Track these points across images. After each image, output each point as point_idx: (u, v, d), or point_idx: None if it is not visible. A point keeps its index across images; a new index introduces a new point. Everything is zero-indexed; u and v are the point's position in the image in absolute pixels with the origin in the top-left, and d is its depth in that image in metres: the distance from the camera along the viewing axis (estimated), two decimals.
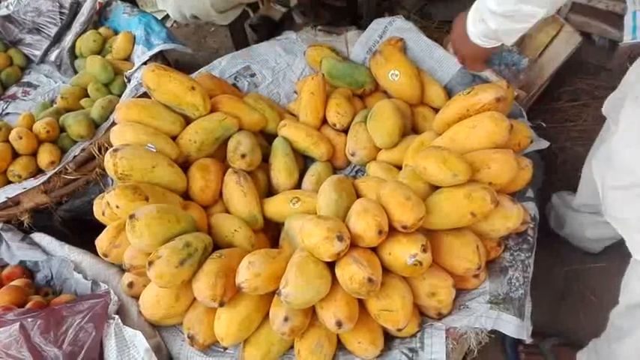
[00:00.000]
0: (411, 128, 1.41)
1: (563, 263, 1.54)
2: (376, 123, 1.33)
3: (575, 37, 1.67)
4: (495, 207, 1.02)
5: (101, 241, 1.12)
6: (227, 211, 1.26)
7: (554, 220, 1.57)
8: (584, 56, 1.82)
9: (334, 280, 0.99)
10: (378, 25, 1.59)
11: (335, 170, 1.41)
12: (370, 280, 0.93)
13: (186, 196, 1.23)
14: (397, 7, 2.17)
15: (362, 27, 1.66)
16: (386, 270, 1.01)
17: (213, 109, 1.33)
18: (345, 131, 1.42)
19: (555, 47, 1.69)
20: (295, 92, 1.57)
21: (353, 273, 0.94)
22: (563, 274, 1.53)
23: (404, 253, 0.97)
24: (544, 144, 1.32)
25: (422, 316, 1.07)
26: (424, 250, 0.96)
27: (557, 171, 1.63)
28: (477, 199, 1.01)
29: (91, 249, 1.16)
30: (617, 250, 1.47)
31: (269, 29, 2.12)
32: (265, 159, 1.38)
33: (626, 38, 0.99)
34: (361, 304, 1.01)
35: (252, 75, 1.61)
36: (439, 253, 1.05)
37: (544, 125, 1.41)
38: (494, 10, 0.97)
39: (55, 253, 1.25)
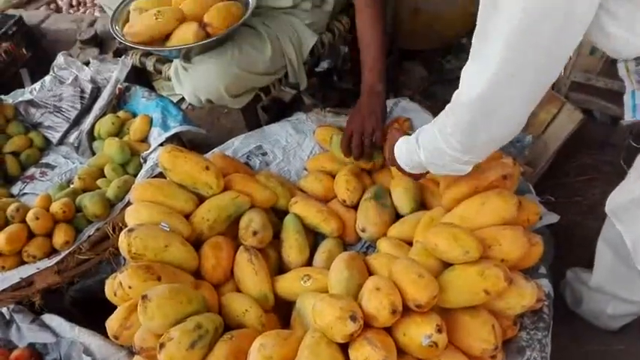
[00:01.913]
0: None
1: (580, 343, 1.50)
2: (398, 194, 1.38)
3: (576, 114, 1.72)
4: (509, 284, 1.01)
5: (112, 323, 1.11)
6: (238, 290, 1.25)
7: (570, 298, 1.54)
8: (588, 132, 1.87)
9: None
10: None
11: (346, 246, 1.41)
12: None
13: (197, 274, 1.23)
14: (402, 89, 2.26)
15: None
16: (400, 351, 0.99)
17: (226, 188, 1.36)
18: (355, 207, 1.44)
19: (558, 124, 1.74)
20: (305, 169, 1.61)
21: (368, 355, 0.92)
22: (581, 355, 1.48)
23: (418, 333, 0.96)
24: (554, 218, 1.32)
25: None
26: (439, 331, 0.95)
27: (568, 246, 1.62)
28: (491, 277, 1.00)
29: (102, 330, 1.15)
30: (638, 329, 1.43)
31: (280, 110, 2.21)
32: (276, 235, 1.39)
33: (626, 117, 1.02)
34: None
35: (264, 154, 1.66)
36: (454, 332, 1.03)
37: (553, 200, 1.42)
38: (430, 162, 1.07)
39: (65, 335, 1.24)
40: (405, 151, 1.16)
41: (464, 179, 1.23)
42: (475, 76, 0.87)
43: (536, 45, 0.79)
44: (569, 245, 1.63)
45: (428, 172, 1.18)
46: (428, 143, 1.06)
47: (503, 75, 0.83)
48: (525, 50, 0.79)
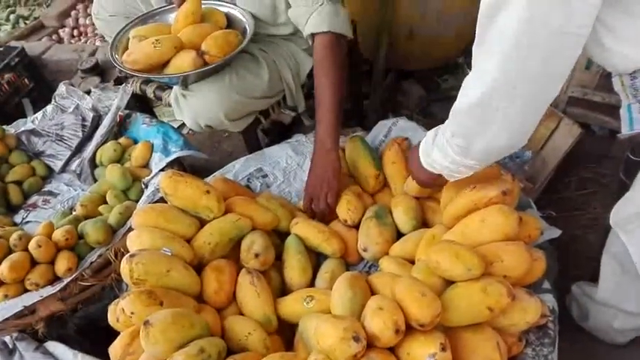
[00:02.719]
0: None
1: (588, 358, 1.48)
2: (399, 213, 1.39)
3: (574, 129, 1.73)
4: (512, 300, 1.00)
5: (115, 349, 1.11)
6: (241, 313, 1.25)
7: (576, 312, 1.53)
8: (586, 146, 1.87)
9: None
10: (382, 126, 1.67)
11: (348, 266, 1.41)
12: None
13: (199, 298, 1.23)
14: (400, 108, 2.28)
15: (367, 128, 1.74)
16: None
17: (227, 211, 1.36)
18: (356, 227, 1.44)
19: (556, 139, 1.75)
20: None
21: None
22: None
23: (422, 352, 0.95)
24: (556, 233, 1.32)
25: None
26: (443, 349, 0.94)
27: (571, 260, 1.62)
28: (494, 293, 1.00)
29: (105, 357, 1.14)
30: None
31: (280, 132, 2.22)
32: (278, 257, 1.39)
33: (623, 130, 1.03)
34: None
35: (265, 176, 1.67)
36: (458, 351, 1.02)
37: (554, 214, 1.42)
38: (440, 162, 1.08)
39: None
40: (423, 151, 1.16)
41: (464, 196, 1.24)
42: (474, 84, 0.89)
43: (533, 58, 0.80)
44: (572, 259, 1.62)
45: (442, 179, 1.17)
46: (439, 144, 1.07)
47: (500, 85, 0.84)
48: (521, 61, 0.80)
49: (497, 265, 1.07)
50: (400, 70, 2.39)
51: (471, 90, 0.90)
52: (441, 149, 1.06)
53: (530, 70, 0.82)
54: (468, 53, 0.89)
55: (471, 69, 0.91)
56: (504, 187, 1.19)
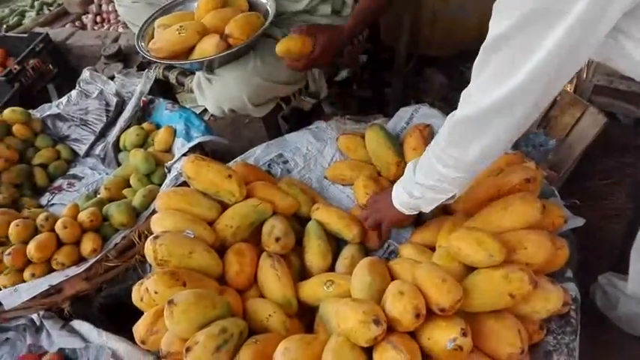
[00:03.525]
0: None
1: (611, 349, 1.46)
2: None
3: (600, 117, 1.70)
4: (534, 288, 1.00)
5: (139, 328, 1.13)
6: (262, 295, 1.26)
7: (601, 302, 1.52)
8: (611, 135, 1.84)
9: None
10: (404, 112, 1.66)
11: (368, 252, 1.41)
12: None
13: (221, 280, 1.25)
14: (422, 95, 2.26)
15: (389, 115, 1.73)
16: (425, 356, 0.99)
17: (249, 195, 1.38)
18: None
19: (581, 128, 1.72)
20: (325, 177, 1.62)
21: (392, 359, 0.92)
22: None
23: (443, 337, 0.95)
24: (579, 222, 1.30)
25: None
26: (464, 334, 0.94)
27: (595, 250, 1.60)
28: (515, 280, 1.00)
29: (129, 336, 1.17)
30: None
31: (300, 119, 2.23)
32: (298, 242, 1.40)
33: None
34: None
35: (285, 162, 1.67)
36: (479, 337, 1.02)
37: (578, 203, 1.41)
38: (422, 183, 1.11)
39: (94, 341, 1.27)
40: (398, 190, 1.22)
41: (486, 183, 1.23)
42: (475, 92, 0.89)
43: (538, 84, 0.80)
44: (596, 249, 1.60)
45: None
46: (423, 163, 1.10)
47: (501, 104, 0.84)
48: (525, 89, 0.81)
49: (520, 252, 1.07)
50: (422, 56, 2.37)
51: (472, 104, 0.90)
52: (426, 169, 1.09)
53: (535, 92, 0.82)
54: None
55: None
56: (527, 174, 1.18)
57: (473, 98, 0.89)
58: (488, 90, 0.84)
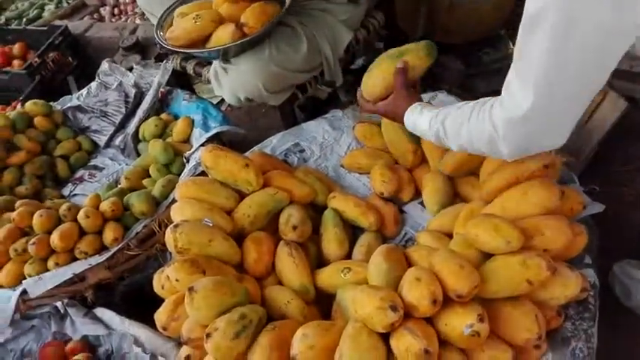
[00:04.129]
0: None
1: (630, 335, 1.45)
2: (427, 193, 1.41)
3: (620, 102, 1.67)
4: (552, 274, 1.00)
5: (160, 315, 1.16)
6: (280, 283, 1.28)
7: (619, 291, 1.50)
8: (633, 120, 1.81)
9: (389, 353, 0.98)
10: None
11: (385, 240, 1.42)
12: (427, 351, 0.92)
13: (240, 268, 1.27)
14: (439, 82, 2.24)
15: None
16: (442, 342, 1.00)
17: (266, 184, 1.39)
18: (393, 200, 1.45)
19: (601, 113, 1.70)
20: (342, 166, 1.62)
21: (409, 344, 0.93)
22: (630, 347, 1.44)
23: (460, 323, 0.96)
24: (599, 208, 1.29)
25: None
26: (481, 320, 0.95)
27: (614, 236, 1.58)
28: (533, 267, 0.99)
29: (151, 323, 1.20)
30: None
31: (316, 108, 2.23)
32: (315, 230, 1.41)
33: None
34: None
35: (302, 151, 1.68)
36: (496, 323, 1.02)
37: (597, 189, 1.39)
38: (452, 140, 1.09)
39: (116, 328, 1.30)
40: (418, 124, 1.17)
41: (505, 170, 1.22)
42: (526, 86, 0.87)
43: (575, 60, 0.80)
44: (616, 235, 1.58)
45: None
46: (470, 133, 1.03)
47: (556, 89, 0.84)
48: (564, 64, 0.80)
49: (538, 238, 1.06)
50: (439, 43, 2.34)
51: (520, 101, 0.88)
52: (456, 134, 1.06)
53: (573, 79, 0.82)
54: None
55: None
56: (546, 160, 1.17)
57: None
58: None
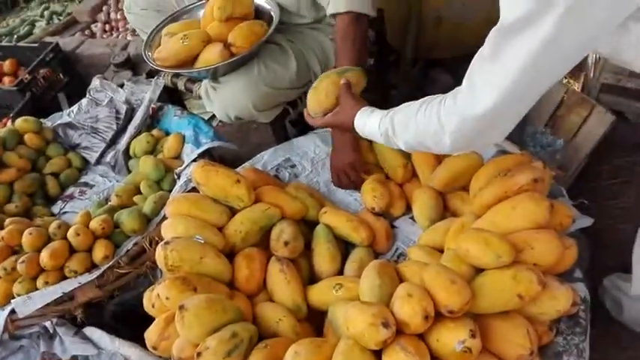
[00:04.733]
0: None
1: (622, 348, 1.46)
2: (417, 208, 1.41)
3: (607, 116, 1.69)
4: (543, 288, 1.00)
5: (150, 334, 1.15)
6: (271, 300, 1.27)
7: (610, 305, 1.51)
8: (620, 134, 1.83)
9: None
10: None
11: (376, 255, 1.42)
12: None
13: (231, 285, 1.26)
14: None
15: None
16: (434, 358, 0.99)
17: (257, 200, 1.39)
18: (384, 215, 1.45)
19: (589, 127, 1.72)
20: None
21: None
22: None
23: (452, 339, 0.96)
24: (588, 221, 1.30)
25: None
26: (473, 336, 0.95)
27: (604, 250, 1.59)
28: (524, 281, 1.00)
29: (141, 342, 1.18)
30: None
31: (307, 123, 2.23)
32: (307, 246, 1.41)
33: None
34: None
35: (293, 166, 1.69)
36: (488, 338, 1.02)
37: (586, 203, 1.40)
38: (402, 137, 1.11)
39: (106, 347, 1.29)
40: (368, 124, 1.19)
41: (494, 184, 1.23)
42: (484, 95, 0.88)
43: (545, 75, 0.83)
44: (605, 249, 1.59)
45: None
46: (417, 127, 1.05)
47: (510, 99, 0.86)
48: (535, 79, 0.83)
49: (528, 252, 1.07)
50: (428, 58, 2.37)
51: (481, 101, 0.89)
52: (405, 128, 1.08)
53: (540, 85, 0.85)
54: None
55: None
56: (535, 174, 1.18)
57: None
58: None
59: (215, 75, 1.66)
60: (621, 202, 1.78)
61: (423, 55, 2.32)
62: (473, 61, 0.91)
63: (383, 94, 2.23)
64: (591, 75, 2.03)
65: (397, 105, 1.13)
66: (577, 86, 2.17)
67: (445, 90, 1.01)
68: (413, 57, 2.20)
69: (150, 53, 1.70)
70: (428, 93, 1.09)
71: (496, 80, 0.85)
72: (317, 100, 1.34)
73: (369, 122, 1.18)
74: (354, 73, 1.34)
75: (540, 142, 1.79)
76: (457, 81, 0.97)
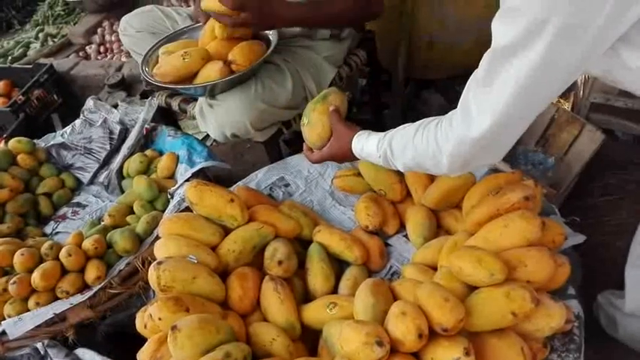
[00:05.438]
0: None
1: None
2: (411, 226, 1.42)
3: (597, 135, 1.72)
4: (536, 306, 1.00)
5: (142, 355, 1.13)
6: (265, 319, 1.26)
7: (605, 322, 1.51)
8: (611, 152, 1.86)
9: None
10: None
11: (370, 273, 1.41)
12: None
13: (225, 304, 1.25)
14: (420, 117, 2.27)
15: None
16: None
17: (251, 219, 1.39)
18: (378, 233, 1.45)
19: (580, 145, 1.74)
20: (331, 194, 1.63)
21: None
22: None
23: (446, 357, 0.95)
24: (580, 239, 1.31)
25: None
26: (467, 354, 0.94)
27: (597, 267, 1.60)
28: (517, 298, 1.00)
29: None
30: None
31: (301, 142, 2.25)
32: (301, 265, 1.41)
33: None
34: None
35: (287, 185, 1.69)
36: (482, 356, 1.01)
37: (578, 220, 1.41)
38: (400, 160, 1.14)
39: None
40: (366, 148, 1.23)
41: (486, 203, 1.24)
42: (480, 119, 0.90)
43: (538, 97, 0.85)
44: (599, 266, 1.60)
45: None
46: (415, 150, 1.08)
47: (505, 122, 0.88)
48: (527, 102, 0.85)
49: (521, 270, 1.07)
50: (420, 79, 2.40)
51: (476, 124, 0.91)
52: (404, 151, 1.11)
53: (534, 107, 0.87)
54: None
55: None
56: (527, 192, 1.19)
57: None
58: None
59: (213, 92, 1.67)
60: (613, 220, 1.79)
61: (415, 75, 2.35)
62: (467, 84, 0.92)
63: (375, 114, 2.25)
64: (581, 94, 2.06)
65: (390, 125, 1.15)
66: (567, 105, 2.20)
67: (437, 110, 1.04)
68: (405, 77, 2.23)
69: (147, 69, 1.71)
70: (420, 113, 1.11)
71: (490, 104, 0.87)
72: (316, 134, 1.38)
73: (367, 146, 1.20)
74: (335, 95, 1.37)
75: (532, 161, 1.81)
76: (448, 101, 0.99)
